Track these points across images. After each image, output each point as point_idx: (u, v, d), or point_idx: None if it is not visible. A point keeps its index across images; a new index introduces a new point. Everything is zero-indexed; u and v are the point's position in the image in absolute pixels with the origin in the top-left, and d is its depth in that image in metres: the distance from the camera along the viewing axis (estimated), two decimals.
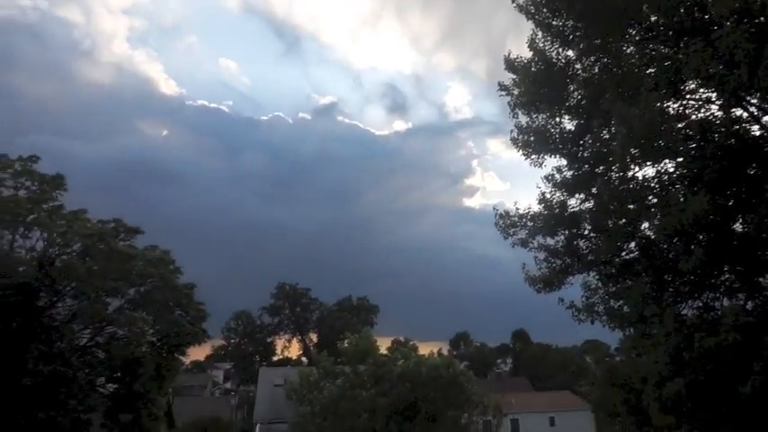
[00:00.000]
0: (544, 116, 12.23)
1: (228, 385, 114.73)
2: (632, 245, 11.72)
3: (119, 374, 26.43)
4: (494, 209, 12.86)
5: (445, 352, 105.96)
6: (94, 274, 24.29)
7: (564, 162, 12.43)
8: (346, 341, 23.25)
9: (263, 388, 41.38)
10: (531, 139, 12.39)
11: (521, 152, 12.57)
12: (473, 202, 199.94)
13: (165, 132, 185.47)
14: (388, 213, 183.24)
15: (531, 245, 12.49)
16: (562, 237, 12.41)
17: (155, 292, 27.18)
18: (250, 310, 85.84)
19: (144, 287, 27.69)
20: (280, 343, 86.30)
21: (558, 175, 12.46)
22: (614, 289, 11.77)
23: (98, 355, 27.10)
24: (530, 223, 12.51)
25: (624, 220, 11.27)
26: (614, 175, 11.51)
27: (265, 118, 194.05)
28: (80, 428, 23.31)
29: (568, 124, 12.12)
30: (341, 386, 21.00)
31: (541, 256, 12.45)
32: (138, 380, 25.54)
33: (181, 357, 29.93)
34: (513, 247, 12.53)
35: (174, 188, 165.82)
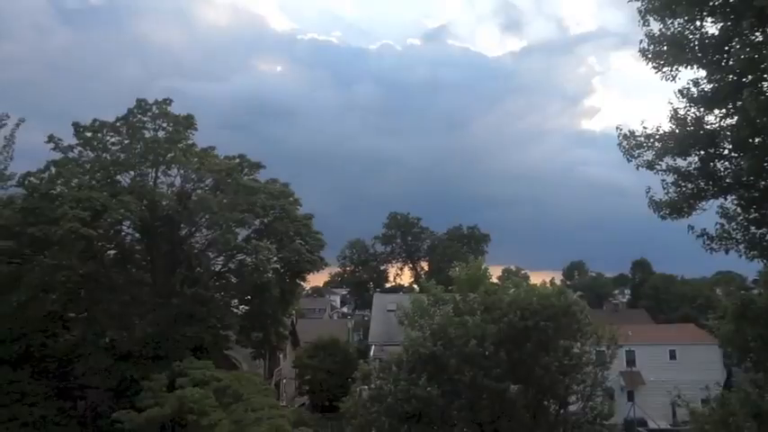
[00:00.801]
0: (681, 21, 10.77)
1: (345, 309, 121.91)
2: None
3: (249, 297, 28.78)
4: (617, 129, 11.84)
5: (558, 281, 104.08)
6: (224, 206, 26.16)
7: (703, 73, 10.99)
8: (456, 269, 23.36)
9: (377, 312, 43.40)
10: (665, 48, 11.04)
11: (651, 65, 11.27)
12: (593, 125, 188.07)
13: (279, 68, 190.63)
14: (501, 139, 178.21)
15: (659, 167, 11.42)
16: (696, 157, 11.23)
17: (277, 222, 28.85)
18: (364, 239, 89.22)
19: (267, 218, 29.46)
20: (392, 270, 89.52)
21: (694, 89, 11.09)
22: (756, 215, 10.61)
23: (231, 279, 29.59)
24: (658, 144, 11.40)
25: None
26: (767, 85, 10.05)
27: (374, 47, 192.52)
28: (219, 343, 25.96)
29: (711, 28, 10.61)
30: (450, 312, 21.33)
31: (670, 179, 11.39)
32: (266, 302, 27.66)
33: (302, 283, 31.90)
34: (637, 169, 11.54)
35: (290, 123, 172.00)
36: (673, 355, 42.54)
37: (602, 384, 20.25)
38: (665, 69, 11.17)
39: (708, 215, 11.14)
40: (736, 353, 11.11)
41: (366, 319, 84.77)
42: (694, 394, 20.38)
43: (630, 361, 41.32)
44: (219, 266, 28.95)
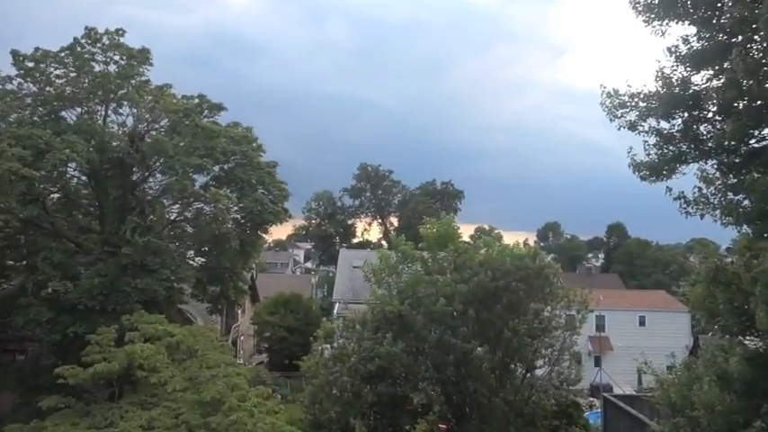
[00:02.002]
0: None
1: (309, 264, 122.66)
2: (766, 131, 10.59)
3: (206, 249, 28.50)
4: (600, 86, 11.87)
5: (532, 243, 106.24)
6: (181, 150, 25.51)
7: (693, 30, 11.03)
8: (427, 226, 23.57)
9: (343, 269, 43.74)
10: (656, 2, 11.02)
11: (641, 18, 11.24)
12: (577, 80, 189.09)
13: (245, 0, 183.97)
14: (482, 89, 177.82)
15: (641, 128, 11.56)
16: (679, 120, 11.37)
17: (238, 169, 28.32)
18: (331, 191, 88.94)
19: (227, 165, 28.84)
20: (360, 225, 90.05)
21: (683, 47, 11.12)
22: (735, 180, 10.87)
23: (187, 229, 29.17)
24: (642, 104, 11.48)
25: (760, 102, 10.11)
26: (756, 47, 10.13)
27: None
28: (173, 296, 25.82)
29: None
30: (419, 271, 21.60)
31: (652, 140, 11.55)
32: (224, 255, 27.44)
33: (263, 235, 31.59)
34: (619, 130, 11.69)
35: (256, 61, 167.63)
36: (642, 322, 44.31)
37: (571, 349, 20.97)
38: (654, 24, 11.13)
39: (687, 179, 11.38)
40: (705, 317, 11.57)
41: (331, 275, 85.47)
42: (661, 361, 21.33)
43: (600, 326, 42.87)
44: (174, 215, 28.49)
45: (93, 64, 25.76)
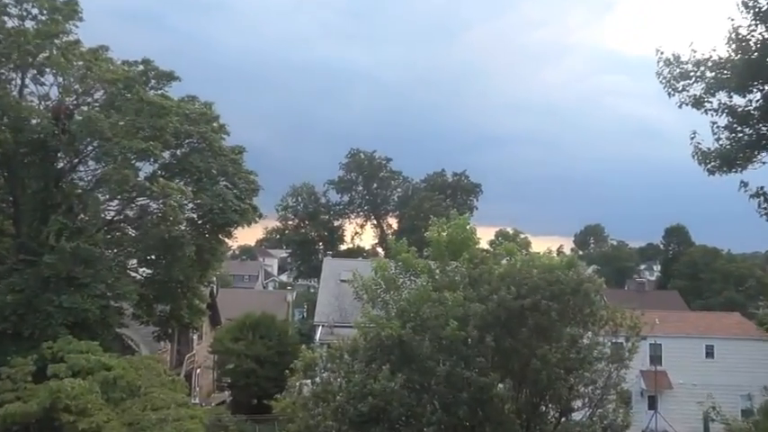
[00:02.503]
0: None
1: (284, 277, 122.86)
2: None
3: (153, 257, 28.52)
4: (657, 52, 11.83)
5: (568, 250, 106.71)
6: (121, 131, 25.53)
7: None
8: (434, 228, 23.62)
9: (327, 283, 43.74)
10: None
11: None
12: (626, 45, 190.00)
13: None
14: (503, 58, 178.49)
15: (709, 105, 11.52)
16: (758, 94, 11.32)
17: (194, 156, 28.39)
18: (313, 184, 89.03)
19: (181, 150, 28.93)
20: (349, 228, 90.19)
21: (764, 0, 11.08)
22: None
23: (128, 232, 29.20)
24: (710, 73, 11.43)
25: None
26: None
27: None
28: (109, 318, 25.77)
29: None
30: (424, 285, 21.60)
31: (722, 121, 11.52)
32: (176, 265, 27.48)
33: (226, 240, 31.74)
34: (680, 107, 11.64)
35: (217, 19, 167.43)
36: (710, 353, 44.14)
37: (617, 386, 20.95)
38: None
39: (767, 171, 11.33)
40: None
41: (312, 291, 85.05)
42: (734, 404, 21.28)
43: (655, 357, 42.84)
44: (113, 214, 28.55)
45: (5, 19, 25.72)
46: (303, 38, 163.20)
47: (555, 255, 24.70)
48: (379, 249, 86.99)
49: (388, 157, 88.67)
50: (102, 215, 28.15)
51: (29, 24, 26.04)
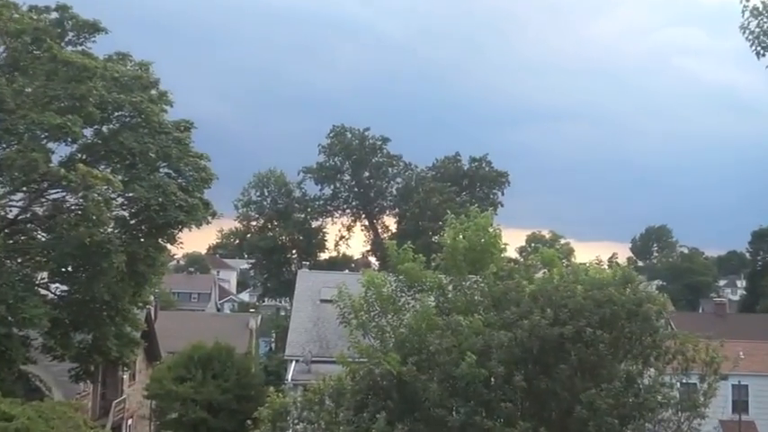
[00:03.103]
0: None
1: (246, 296, 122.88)
2: None
3: (70, 269, 28.43)
4: None
5: (623, 260, 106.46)
6: (28, 100, 25.50)
7: None
8: (447, 230, 23.69)
9: (303, 304, 43.68)
10: None
11: None
12: None
13: None
14: (537, 6, 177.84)
15: None
16: None
17: (126, 134, 28.34)
18: (284, 171, 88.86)
19: (108, 126, 28.90)
20: (333, 230, 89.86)
21: None
22: None
23: (37, 235, 29.09)
24: None
25: None
26: None
27: None
28: (11, 350, 25.74)
29: None
30: (432, 307, 21.70)
31: None
32: (101, 279, 27.44)
33: (168, 246, 31.77)
34: None
35: None
36: None
37: None
38: None
39: None
40: None
41: (283, 314, 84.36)
42: None
43: (740, 403, 42.92)
44: (16, 211, 28.47)
45: None
46: None
47: (606, 266, 24.82)
48: (373, 259, 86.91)
49: (384, 137, 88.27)
50: (2, 213, 28.04)
51: None
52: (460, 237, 23.45)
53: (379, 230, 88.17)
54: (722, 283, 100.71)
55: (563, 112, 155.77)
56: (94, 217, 26.07)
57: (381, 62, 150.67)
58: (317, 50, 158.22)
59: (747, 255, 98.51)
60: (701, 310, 73.97)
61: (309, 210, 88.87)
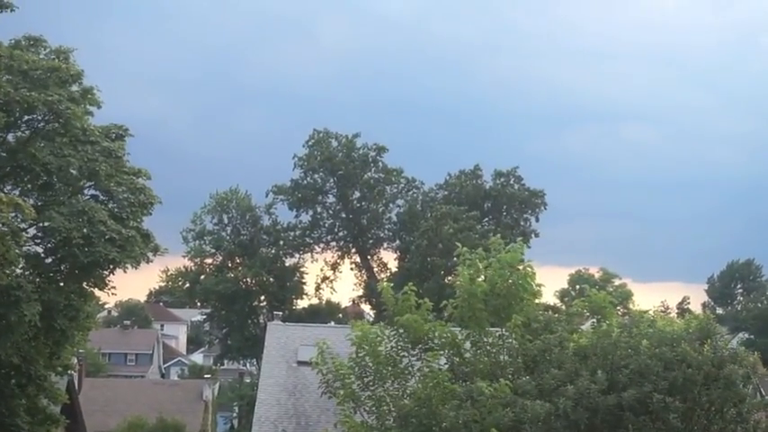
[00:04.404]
0: None
1: (199, 358, 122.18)
2: None
3: None
4: None
5: (697, 306, 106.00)
6: None
7: None
8: (461, 268, 23.65)
9: (275, 366, 43.52)
10: None
11: None
12: None
13: None
14: None
15: None
16: None
17: (39, 144, 28.36)
18: (250, 192, 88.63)
19: (15, 132, 28.90)
20: (313, 269, 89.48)
21: None
22: None
23: None
24: None
25: None
26: None
27: None
28: None
29: None
30: (444, 371, 21.69)
31: None
32: (7, 336, 27.36)
33: (97, 292, 31.88)
34: None
35: None
36: None
37: None
38: None
39: None
40: None
41: (249, 381, 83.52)
42: None
43: None
44: None
45: None
46: None
47: (675, 315, 24.79)
48: (366, 307, 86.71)
49: (379, 145, 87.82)
50: None
51: None
52: (480, 278, 23.30)
53: (375, 269, 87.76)
54: None
55: (620, 111, 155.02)
56: None
57: (378, 43, 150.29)
58: (294, 27, 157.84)
59: None
60: None
61: (282, 243, 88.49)
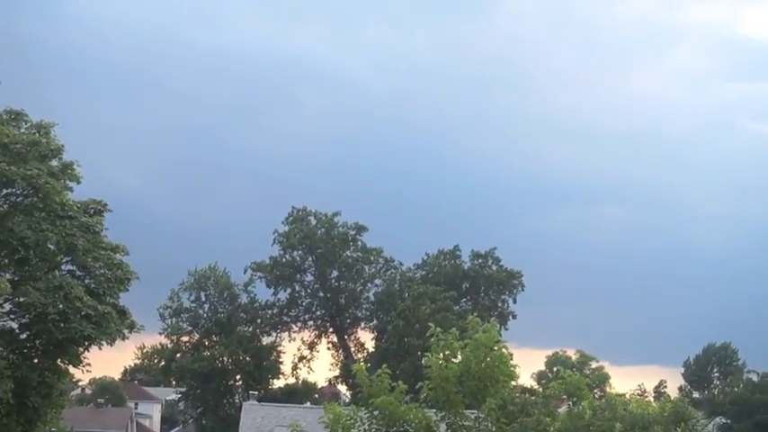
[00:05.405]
0: None
1: None
2: None
3: None
4: None
5: (674, 389, 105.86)
6: None
7: None
8: (436, 346, 23.58)
9: None
10: None
11: None
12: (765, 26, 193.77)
13: None
14: (569, 43, 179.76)
15: None
16: None
17: (18, 218, 28.32)
18: (228, 269, 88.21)
19: None
20: (290, 349, 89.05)
21: None
22: None
23: None
24: None
25: None
26: None
27: None
28: None
29: None
30: None
31: None
32: None
33: (71, 369, 31.40)
34: None
35: None
36: None
37: None
38: None
39: None
40: None
41: None
42: None
43: None
44: None
45: None
46: (209, 14, 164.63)
47: (651, 398, 24.83)
48: (343, 387, 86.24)
49: (359, 224, 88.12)
50: None
51: None
52: (457, 358, 23.23)
53: (352, 349, 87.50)
54: None
55: (597, 191, 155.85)
56: None
57: (356, 122, 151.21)
58: (272, 108, 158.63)
59: None
60: None
61: (260, 321, 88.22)
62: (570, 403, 23.10)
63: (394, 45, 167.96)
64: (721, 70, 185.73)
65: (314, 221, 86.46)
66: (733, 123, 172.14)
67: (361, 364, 25.96)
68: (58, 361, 30.20)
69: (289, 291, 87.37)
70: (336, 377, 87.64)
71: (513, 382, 24.30)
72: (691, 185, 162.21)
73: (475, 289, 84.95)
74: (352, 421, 22.77)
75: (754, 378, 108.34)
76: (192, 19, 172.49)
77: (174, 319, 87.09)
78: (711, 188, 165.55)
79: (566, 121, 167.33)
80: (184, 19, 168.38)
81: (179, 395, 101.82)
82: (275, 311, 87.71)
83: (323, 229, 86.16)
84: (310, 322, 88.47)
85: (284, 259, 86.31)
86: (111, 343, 30.27)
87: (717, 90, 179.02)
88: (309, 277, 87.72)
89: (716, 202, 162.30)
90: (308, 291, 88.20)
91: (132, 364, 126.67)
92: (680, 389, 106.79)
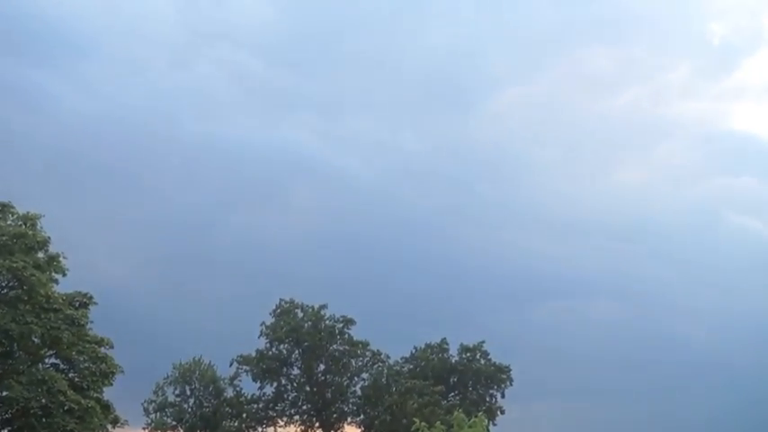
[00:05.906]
0: None
1: None
2: None
3: None
4: None
5: None
6: None
7: None
8: None
9: None
10: None
11: None
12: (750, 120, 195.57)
13: None
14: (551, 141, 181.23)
15: None
16: None
17: (2, 309, 28.06)
18: (214, 362, 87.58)
19: None
20: None
21: None
22: None
23: None
24: None
25: None
26: None
27: None
28: None
29: None
30: None
31: None
32: None
33: None
34: None
35: (43, 73, 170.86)
36: None
37: None
38: None
39: None
40: None
41: None
42: None
43: None
44: None
45: None
46: (186, 104, 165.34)
47: None
48: None
49: (346, 317, 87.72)
50: None
51: None
52: None
53: None
54: None
55: (585, 286, 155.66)
56: None
57: (344, 216, 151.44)
58: (262, 200, 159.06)
59: None
60: None
61: (245, 416, 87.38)
62: None
63: (385, 140, 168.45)
64: (707, 164, 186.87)
65: (300, 314, 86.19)
66: (719, 216, 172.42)
67: None
68: None
69: (275, 384, 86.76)
70: None
71: None
72: (676, 280, 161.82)
73: (463, 383, 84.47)
74: None
75: None
76: (180, 111, 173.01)
77: (158, 414, 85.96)
78: (695, 283, 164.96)
79: (555, 214, 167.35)
80: (173, 111, 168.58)
81: None
82: (261, 406, 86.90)
83: (310, 322, 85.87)
84: (296, 417, 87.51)
85: (271, 352, 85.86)
86: None
87: (704, 186, 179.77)
88: (296, 371, 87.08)
89: (698, 296, 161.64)
90: (295, 384, 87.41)
91: None
92: None
